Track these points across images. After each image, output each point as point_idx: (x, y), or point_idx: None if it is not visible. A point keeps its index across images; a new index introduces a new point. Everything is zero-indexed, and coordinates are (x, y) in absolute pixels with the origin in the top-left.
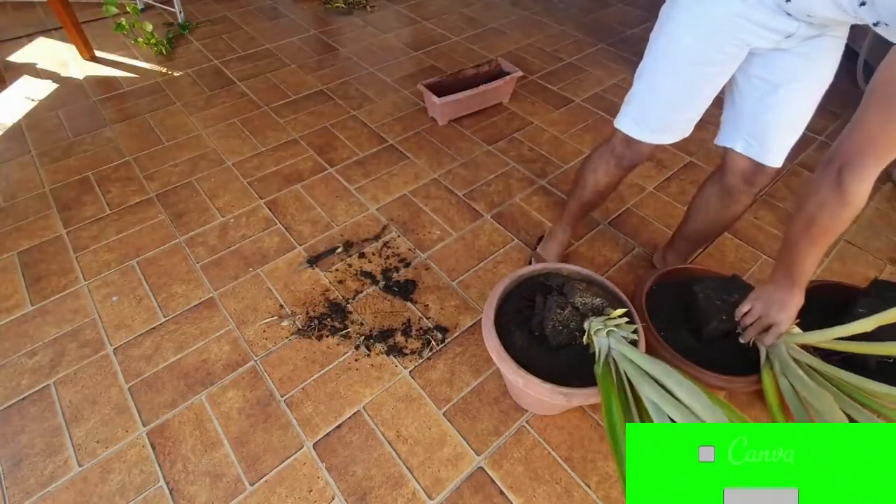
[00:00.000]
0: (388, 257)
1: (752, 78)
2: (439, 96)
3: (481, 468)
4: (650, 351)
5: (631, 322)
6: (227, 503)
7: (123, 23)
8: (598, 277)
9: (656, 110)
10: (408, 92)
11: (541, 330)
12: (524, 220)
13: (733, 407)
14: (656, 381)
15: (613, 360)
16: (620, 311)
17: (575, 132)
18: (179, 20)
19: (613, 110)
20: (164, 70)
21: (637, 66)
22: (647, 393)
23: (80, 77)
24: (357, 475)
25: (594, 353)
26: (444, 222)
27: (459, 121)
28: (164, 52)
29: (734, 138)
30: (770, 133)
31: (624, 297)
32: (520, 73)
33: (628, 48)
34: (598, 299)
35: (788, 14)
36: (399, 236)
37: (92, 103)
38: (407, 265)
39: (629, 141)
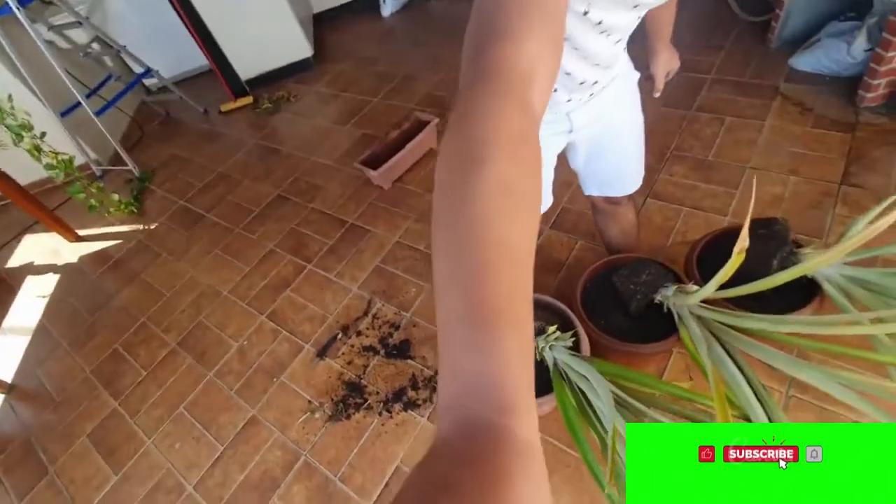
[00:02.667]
0: (380, 327)
1: (576, 157)
2: (375, 167)
3: None
4: (593, 344)
5: (571, 327)
6: None
7: (93, 203)
8: (536, 297)
9: None
10: (350, 168)
11: None
12: None
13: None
14: (588, 378)
15: (562, 369)
16: (553, 327)
17: None
18: (137, 174)
19: None
20: (142, 227)
21: None
22: (586, 390)
23: (75, 259)
24: None
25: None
26: (416, 278)
27: (401, 179)
28: (136, 210)
29: (589, 188)
30: (613, 178)
31: (562, 306)
32: (436, 121)
33: None
34: (536, 323)
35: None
36: (384, 305)
37: (93, 280)
38: (397, 328)
39: None
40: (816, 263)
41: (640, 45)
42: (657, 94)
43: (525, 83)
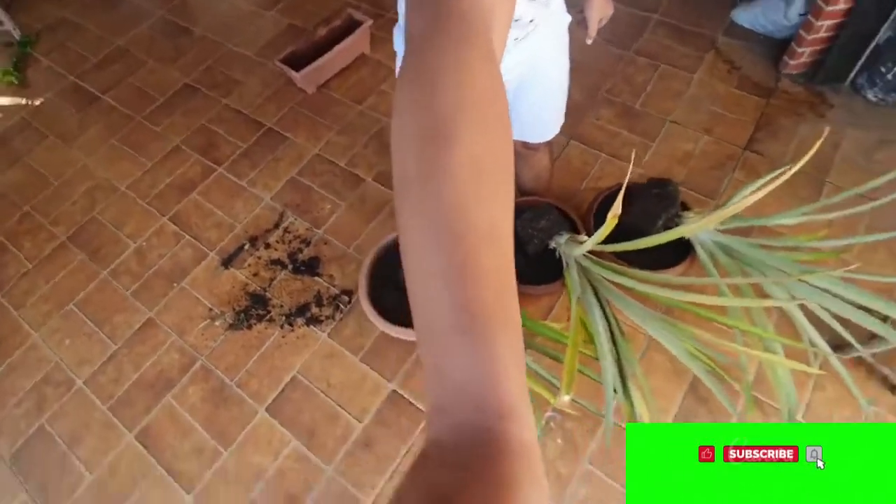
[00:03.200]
0: (290, 242)
1: None
2: (298, 68)
3: (394, 390)
4: None
5: None
6: (211, 467)
7: None
8: None
9: None
10: (272, 64)
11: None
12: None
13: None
14: None
15: None
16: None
17: None
18: (17, 38)
19: None
20: (25, 101)
21: None
22: None
23: None
24: (304, 421)
25: None
26: (333, 195)
27: (327, 84)
28: (16, 80)
29: None
30: (532, 122)
31: None
32: (370, 22)
33: None
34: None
35: None
36: (296, 219)
37: None
38: (308, 244)
39: None
40: (693, 228)
41: None
42: (589, 41)
43: (487, 24)
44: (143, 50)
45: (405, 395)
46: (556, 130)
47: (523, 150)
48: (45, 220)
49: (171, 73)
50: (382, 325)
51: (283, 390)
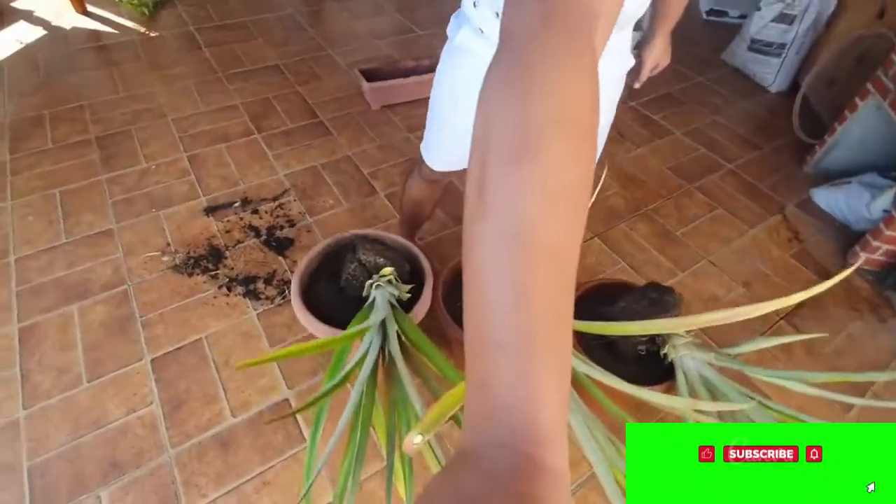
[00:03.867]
0: (278, 217)
1: None
2: (372, 83)
3: (287, 399)
4: (431, 313)
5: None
6: (63, 392)
7: None
8: (399, 241)
9: (441, 142)
10: (354, 73)
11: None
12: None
13: None
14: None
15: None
16: (389, 269)
17: None
18: None
19: None
20: (143, 30)
21: None
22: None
23: (68, 28)
24: (179, 388)
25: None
26: (341, 194)
27: (392, 108)
28: (147, 12)
29: None
30: None
31: (424, 263)
32: None
33: None
34: (381, 259)
35: None
36: (295, 200)
37: (71, 52)
38: (292, 225)
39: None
40: (678, 348)
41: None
42: (638, 85)
43: (593, 26)
44: (260, 30)
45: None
46: None
47: None
48: (91, 116)
49: (269, 52)
50: (306, 321)
51: (180, 348)
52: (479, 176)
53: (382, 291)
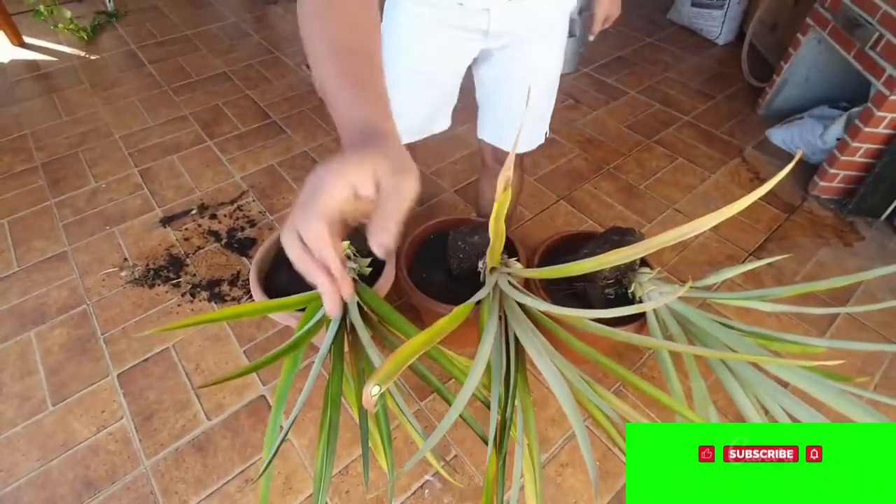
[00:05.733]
0: (237, 219)
1: (482, 78)
2: None
3: (263, 396)
4: (396, 287)
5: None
6: (28, 419)
7: (41, 10)
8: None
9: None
10: (306, 74)
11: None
12: None
13: None
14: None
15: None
16: (346, 242)
17: None
18: (108, 8)
19: None
20: (83, 54)
21: None
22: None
23: (6, 61)
24: (149, 399)
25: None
26: (301, 189)
27: None
28: (86, 37)
29: (483, 129)
30: (509, 121)
31: None
32: None
33: None
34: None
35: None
36: (254, 201)
37: (9, 83)
38: (253, 226)
39: None
40: (644, 285)
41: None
42: (592, 38)
43: None
44: (203, 41)
45: (272, 405)
46: (532, 144)
47: (495, 167)
48: (34, 144)
49: (215, 61)
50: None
51: (146, 360)
52: (309, 13)
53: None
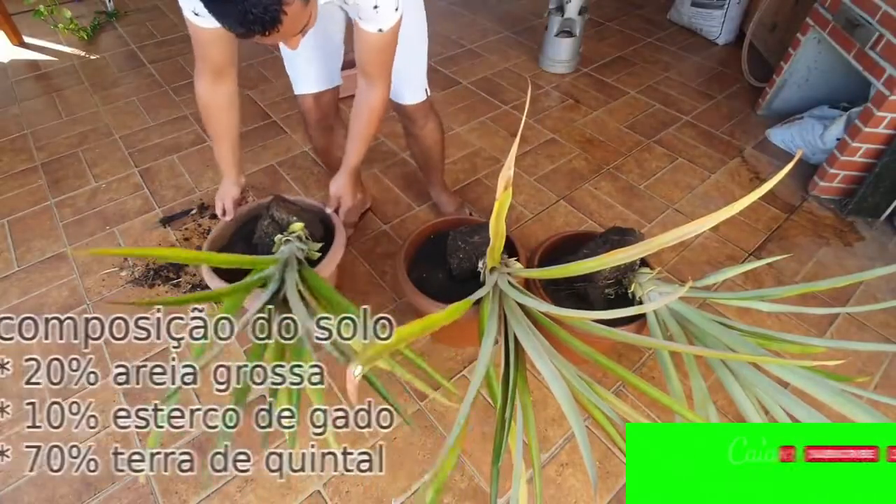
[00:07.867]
0: None
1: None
2: None
3: (262, 396)
4: (395, 287)
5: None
6: (28, 419)
7: (41, 10)
8: (315, 205)
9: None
10: None
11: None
12: (377, 188)
13: None
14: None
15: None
16: (299, 224)
17: (451, 111)
18: (108, 8)
19: (496, 92)
20: (83, 54)
21: (533, 52)
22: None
23: (6, 61)
24: (149, 399)
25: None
26: (301, 189)
27: (344, 100)
28: (86, 37)
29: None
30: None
31: (333, 217)
32: None
33: (530, 36)
34: (293, 217)
35: None
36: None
37: (9, 84)
38: None
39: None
40: (644, 286)
41: None
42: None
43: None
44: None
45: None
46: (416, 97)
47: (406, 123)
48: (35, 144)
49: None
50: (212, 283)
51: (147, 359)
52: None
53: (290, 245)
